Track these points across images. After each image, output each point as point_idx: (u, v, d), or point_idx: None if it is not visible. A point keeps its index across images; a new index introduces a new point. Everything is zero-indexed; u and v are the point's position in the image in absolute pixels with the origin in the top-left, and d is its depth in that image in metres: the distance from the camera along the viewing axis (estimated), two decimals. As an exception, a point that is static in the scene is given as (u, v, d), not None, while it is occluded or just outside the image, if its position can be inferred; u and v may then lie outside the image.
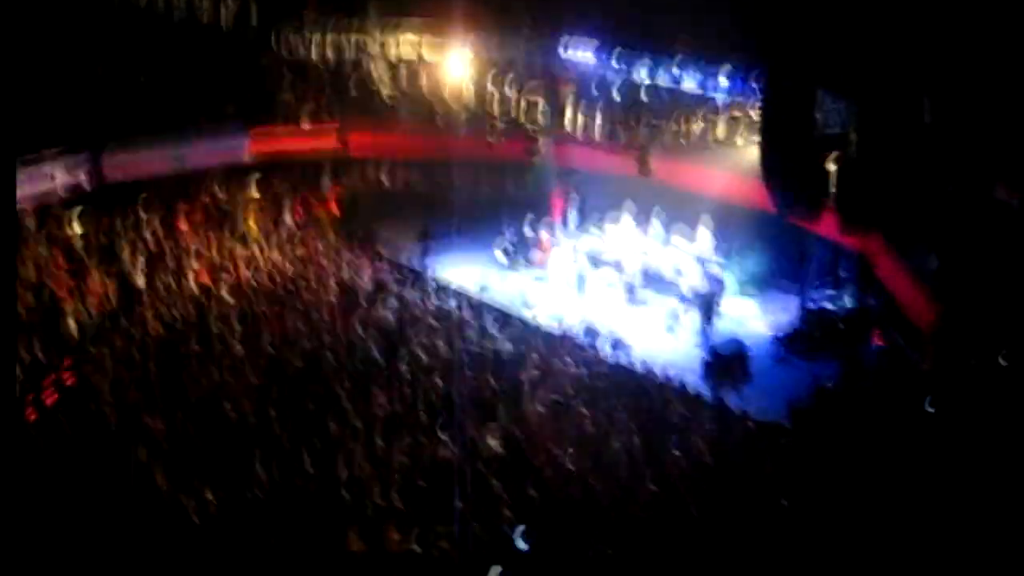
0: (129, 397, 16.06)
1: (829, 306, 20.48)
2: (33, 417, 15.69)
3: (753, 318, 21.71)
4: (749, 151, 20.86)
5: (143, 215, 23.68)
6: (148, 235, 23.15)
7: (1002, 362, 14.31)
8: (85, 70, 27.16)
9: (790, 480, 13.88)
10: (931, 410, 14.36)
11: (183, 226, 23.98)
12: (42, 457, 13.95)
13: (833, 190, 19.17)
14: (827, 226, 19.67)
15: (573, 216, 25.20)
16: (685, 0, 20.93)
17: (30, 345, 17.44)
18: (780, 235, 21.48)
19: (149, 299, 20.30)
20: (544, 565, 12.39)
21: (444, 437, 14.71)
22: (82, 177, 23.50)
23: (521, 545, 12.11)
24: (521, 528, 12.39)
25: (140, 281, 21.17)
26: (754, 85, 20.01)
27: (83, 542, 11.96)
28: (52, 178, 22.71)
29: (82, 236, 22.30)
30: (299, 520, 12.65)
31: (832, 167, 18.99)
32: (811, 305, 20.67)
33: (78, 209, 22.88)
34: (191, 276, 21.58)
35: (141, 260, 21.90)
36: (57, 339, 18.14)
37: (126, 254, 21.92)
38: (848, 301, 20.52)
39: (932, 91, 16.97)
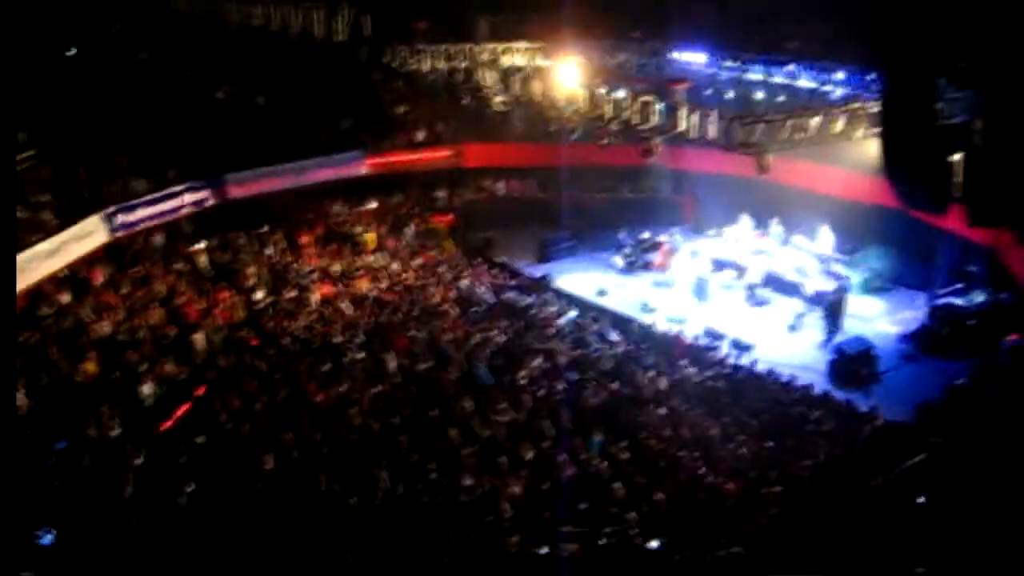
0: (256, 408, 16.55)
1: (958, 303, 19.79)
2: (167, 427, 16.29)
3: (879, 316, 21.26)
4: (869, 146, 20.39)
5: (266, 232, 24.50)
6: (271, 251, 23.90)
7: None
8: (205, 95, 28.25)
9: (922, 480, 13.54)
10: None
11: (304, 242, 24.66)
12: (174, 466, 14.42)
13: (959, 183, 18.58)
14: (954, 220, 19.10)
15: (692, 219, 25.07)
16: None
17: (162, 361, 18.15)
18: (905, 231, 20.96)
19: (274, 313, 20.82)
20: (674, 569, 12.34)
21: (567, 444, 14.77)
22: (206, 199, 24.41)
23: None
24: None
25: (265, 296, 21.75)
26: (872, 77, 19.54)
27: (212, 547, 12.31)
28: (178, 201, 23.60)
29: (208, 255, 23.07)
30: (422, 527, 12.82)
31: (957, 159, 18.41)
32: (939, 302, 20.06)
33: (204, 229, 23.79)
34: (314, 289, 22.07)
35: (265, 276, 22.57)
36: (187, 354, 18.77)
37: (251, 270, 22.55)
38: (978, 297, 19.83)
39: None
